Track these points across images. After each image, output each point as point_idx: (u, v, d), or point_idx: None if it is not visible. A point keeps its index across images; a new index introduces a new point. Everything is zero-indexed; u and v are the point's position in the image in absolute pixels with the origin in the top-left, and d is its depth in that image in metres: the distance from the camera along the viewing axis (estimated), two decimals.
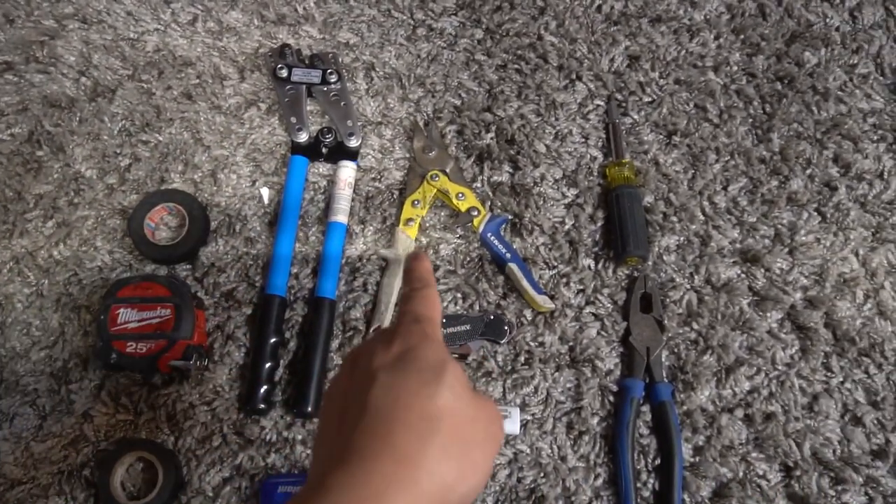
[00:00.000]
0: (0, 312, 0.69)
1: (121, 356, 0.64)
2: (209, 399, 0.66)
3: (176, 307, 0.65)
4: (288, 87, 0.77)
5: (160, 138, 0.76)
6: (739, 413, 0.66)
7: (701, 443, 0.65)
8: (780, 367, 0.68)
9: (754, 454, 0.65)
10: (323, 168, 0.76)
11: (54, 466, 0.64)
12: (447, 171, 0.74)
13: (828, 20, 0.83)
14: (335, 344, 0.68)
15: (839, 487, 0.64)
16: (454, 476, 0.35)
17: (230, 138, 0.77)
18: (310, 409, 0.64)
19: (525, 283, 0.68)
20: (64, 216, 0.73)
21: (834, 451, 0.65)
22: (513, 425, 0.64)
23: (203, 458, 0.65)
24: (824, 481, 0.64)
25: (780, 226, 0.73)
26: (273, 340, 0.67)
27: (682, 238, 0.72)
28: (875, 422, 0.66)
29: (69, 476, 0.64)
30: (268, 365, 0.66)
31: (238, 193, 0.74)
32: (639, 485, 0.64)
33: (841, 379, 0.67)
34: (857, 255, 0.72)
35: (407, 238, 0.71)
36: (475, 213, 0.71)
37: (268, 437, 0.65)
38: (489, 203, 0.74)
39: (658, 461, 0.65)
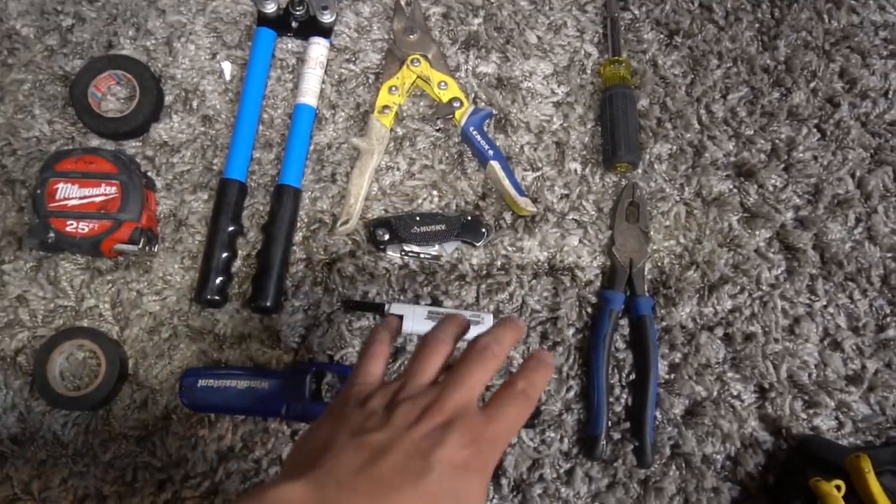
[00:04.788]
0: None
1: (59, 235, 0.58)
2: (159, 288, 0.61)
3: (123, 185, 0.59)
4: None
5: None
6: (719, 332, 0.64)
7: (678, 360, 0.63)
8: (764, 288, 0.65)
9: (730, 374, 0.63)
10: (292, 44, 0.69)
11: None
12: (429, 56, 0.67)
13: None
14: (298, 236, 0.63)
15: (811, 411, 0.62)
16: None
17: (188, 3, 0.69)
18: (268, 303, 0.59)
19: (506, 184, 0.63)
20: None
21: (810, 375, 0.63)
22: None
23: (150, 350, 0.60)
24: (797, 404, 0.63)
25: (777, 140, 0.69)
26: (231, 229, 0.61)
27: (675, 147, 0.68)
28: (854, 347, 0.64)
29: (2, 362, 0.59)
30: (224, 254, 0.61)
31: (196, 66, 0.67)
32: (611, 399, 0.61)
33: (824, 303, 0.65)
34: (853, 176, 0.68)
35: (382, 127, 0.65)
36: (457, 104, 0.66)
37: (222, 332, 0.61)
38: (473, 95, 0.68)
39: (633, 376, 0.62)
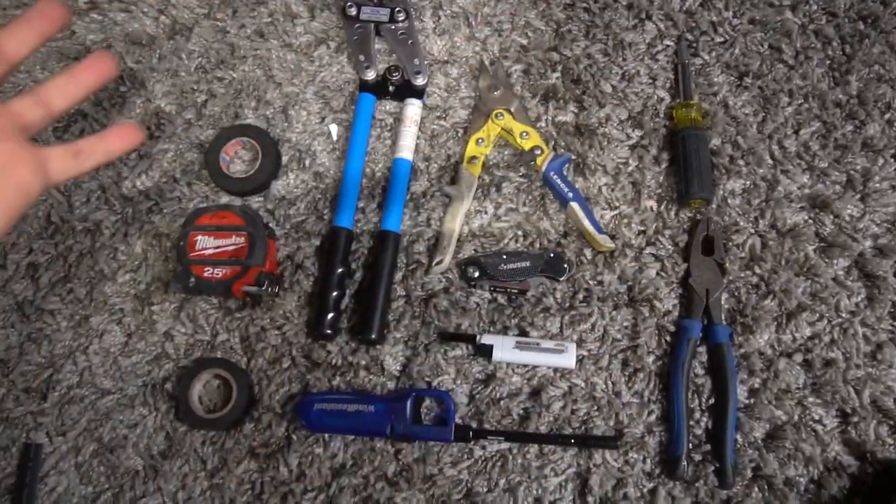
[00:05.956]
0: (89, 237, 0.74)
1: (199, 280, 0.68)
2: (280, 324, 0.70)
3: (250, 236, 0.68)
4: (357, 25, 0.78)
5: (234, 75, 0.79)
6: (798, 358, 0.66)
7: (757, 385, 0.66)
8: (843, 315, 0.67)
9: (811, 399, 0.65)
10: (390, 105, 0.77)
11: (139, 379, 0.70)
12: (512, 110, 0.74)
13: None
14: (398, 276, 0.71)
15: None
16: None
17: (300, 76, 0.79)
18: (373, 336, 0.67)
19: (586, 223, 0.69)
20: (146, 149, 0.77)
21: (895, 401, 0.65)
22: (569, 360, 0.66)
23: (273, 378, 0.69)
24: (883, 429, 0.64)
25: (852, 171, 0.71)
26: (340, 270, 0.69)
27: (748, 182, 0.71)
28: None
29: (153, 389, 0.69)
30: (335, 293, 0.69)
31: (308, 129, 0.77)
32: (691, 423, 0.65)
33: None
34: None
35: (471, 175, 0.72)
36: (539, 151, 0.72)
37: (333, 361, 0.69)
38: (553, 142, 0.74)
39: (712, 401, 0.65)
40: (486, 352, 0.67)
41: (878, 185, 0.70)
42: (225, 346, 0.70)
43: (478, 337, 0.67)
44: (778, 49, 0.76)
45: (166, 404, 0.69)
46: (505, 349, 0.66)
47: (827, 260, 0.69)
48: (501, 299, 0.70)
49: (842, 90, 0.74)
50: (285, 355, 0.69)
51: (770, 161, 0.72)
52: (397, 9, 0.78)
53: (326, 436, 0.67)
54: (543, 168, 0.71)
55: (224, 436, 0.68)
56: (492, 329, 0.69)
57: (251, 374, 0.69)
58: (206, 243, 0.69)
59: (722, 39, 0.77)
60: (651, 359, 0.67)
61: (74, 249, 0.74)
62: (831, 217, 0.70)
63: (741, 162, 0.72)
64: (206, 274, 0.68)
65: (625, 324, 0.68)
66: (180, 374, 0.69)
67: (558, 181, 0.71)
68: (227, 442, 0.68)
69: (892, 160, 0.71)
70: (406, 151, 0.74)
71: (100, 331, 0.72)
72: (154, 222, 0.75)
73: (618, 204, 0.72)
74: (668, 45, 0.77)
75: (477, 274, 0.69)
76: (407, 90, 0.76)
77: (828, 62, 0.75)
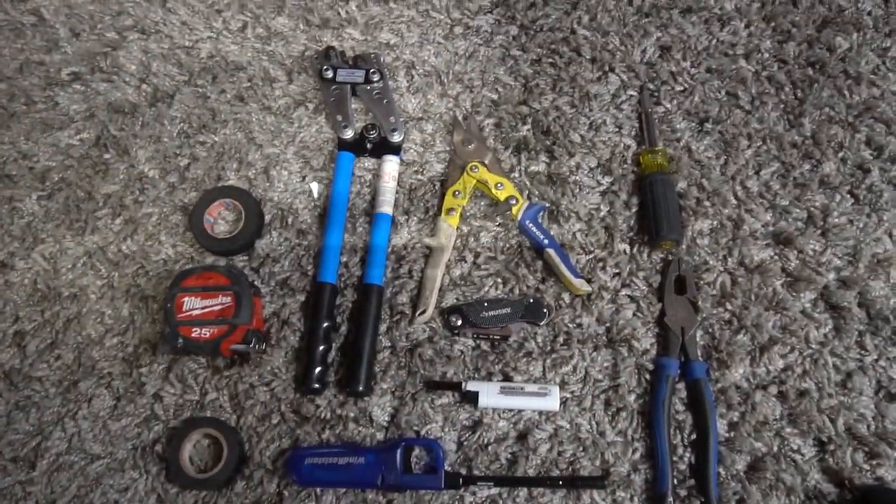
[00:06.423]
0: (76, 303, 0.75)
1: (187, 341, 0.69)
2: (268, 380, 0.71)
3: (236, 295, 0.70)
4: (333, 87, 0.81)
5: (216, 139, 0.81)
6: (773, 390, 0.68)
7: (735, 419, 0.68)
8: (813, 346, 0.70)
9: (788, 429, 0.67)
10: (368, 163, 0.80)
11: (129, 443, 0.70)
12: (486, 162, 0.77)
13: (859, 4, 0.84)
14: (383, 327, 0.72)
15: (874, 462, 0.66)
16: None
17: (280, 137, 0.81)
18: (361, 388, 0.68)
19: (563, 268, 0.71)
20: (130, 213, 0.79)
21: (868, 427, 0.67)
22: (553, 402, 0.68)
23: (263, 434, 0.69)
24: (859, 455, 0.66)
25: (812, 208, 0.75)
26: (325, 325, 0.71)
27: (715, 222, 0.75)
28: None
29: (143, 451, 0.70)
30: (321, 348, 0.70)
31: (289, 188, 0.79)
32: (675, 458, 0.66)
33: (875, 357, 0.69)
34: (890, 235, 0.73)
35: (449, 227, 0.74)
36: (514, 201, 0.75)
37: (322, 415, 0.69)
38: (527, 192, 0.77)
39: (694, 436, 0.67)
40: (472, 398, 0.68)
41: (836, 220, 0.74)
42: (214, 405, 0.71)
43: (463, 384, 0.69)
44: (735, 95, 0.80)
45: (157, 466, 0.69)
46: (490, 395, 0.68)
47: (794, 294, 0.71)
48: (485, 346, 0.72)
49: (797, 132, 0.78)
50: (274, 411, 0.70)
51: (734, 201, 0.75)
52: (372, 70, 0.81)
53: (318, 490, 0.67)
54: (519, 217, 0.74)
55: (216, 495, 0.68)
56: (476, 375, 0.70)
57: (241, 432, 0.70)
58: (193, 304, 0.70)
59: (682, 88, 0.81)
60: (632, 397, 0.69)
61: (61, 315, 0.75)
62: (795, 252, 0.73)
63: (707, 203, 0.75)
64: (193, 334, 0.69)
65: (605, 364, 0.70)
66: (170, 435, 0.70)
67: (534, 229, 0.73)
68: (219, 501, 0.68)
69: (848, 196, 0.75)
70: (386, 206, 0.76)
71: (88, 395, 0.72)
72: (140, 285, 0.76)
73: (592, 248, 0.74)
74: (631, 95, 0.81)
75: (460, 322, 0.71)
76: (384, 147, 0.79)
77: (782, 106, 0.79)
